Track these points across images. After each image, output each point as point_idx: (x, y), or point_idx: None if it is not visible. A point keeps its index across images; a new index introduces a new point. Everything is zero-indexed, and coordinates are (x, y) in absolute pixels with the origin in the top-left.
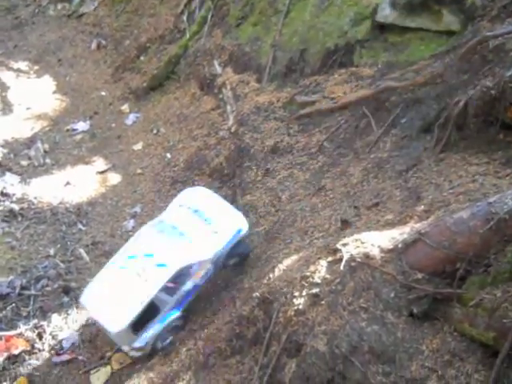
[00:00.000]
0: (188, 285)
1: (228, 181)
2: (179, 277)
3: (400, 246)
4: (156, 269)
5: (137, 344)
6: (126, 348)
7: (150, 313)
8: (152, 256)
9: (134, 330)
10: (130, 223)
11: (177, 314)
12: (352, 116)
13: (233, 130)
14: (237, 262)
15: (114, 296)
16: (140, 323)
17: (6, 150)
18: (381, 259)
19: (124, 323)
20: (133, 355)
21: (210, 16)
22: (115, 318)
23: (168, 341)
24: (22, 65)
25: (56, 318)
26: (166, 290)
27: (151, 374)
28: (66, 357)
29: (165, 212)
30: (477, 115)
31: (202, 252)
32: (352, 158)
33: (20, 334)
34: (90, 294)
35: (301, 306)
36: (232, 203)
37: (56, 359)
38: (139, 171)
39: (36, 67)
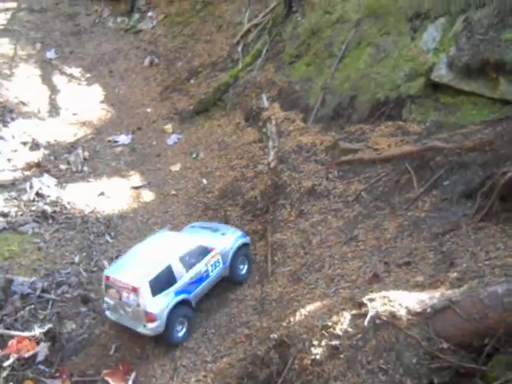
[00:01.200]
0: (201, 266)
1: (260, 216)
2: (195, 256)
3: (428, 310)
4: (179, 243)
5: (153, 308)
6: (140, 328)
7: (168, 279)
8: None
9: (152, 288)
10: None
11: (187, 296)
12: (394, 170)
13: (272, 165)
14: (245, 273)
15: (140, 263)
16: (158, 285)
17: (47, 152)
18: (407, 321)
19: (146, 279)
20: (142, 332)
21: (264, 50)
22: (137, 274)
23: (180, 332)
24: (75, 71)
25: (71, 326)
26: (184, 262)
27: None
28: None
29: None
30: None
31: (213, 243)
32: (388, 213)
33: (33, 337)
34: (114, 265)
35: (318, 357)
36: (261, 239)
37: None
38: (173, 192)
39: (88, 75)
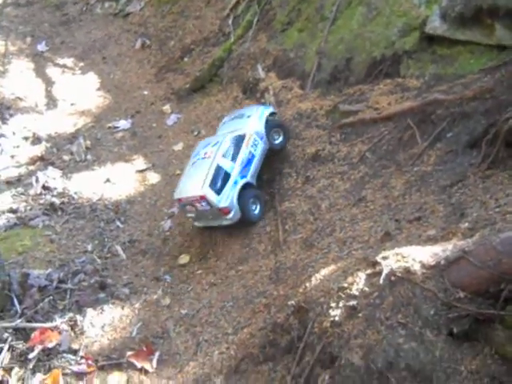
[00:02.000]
0: (244, 152)
1: (267, 186)
2: (234, 148)
3: (442, 262)
4: (213, 147)
5: (222, 204)
6: (224, 221)
7: (223, 177)
8: (217, 143)
9: (214, 190)
10: (168, 223)
11: (245, 179)
12: (396, 128)
13: None
14: (281, 141)
15: (194, 178)
16: (217, 184)
17: (49, 145)
18: (422, 275)
19: (203, 186)
20: (226, 223)
21: (255, 20)
22: (198, 185)
23: (255, 210)
24: (68, 61)
25: (91, 313)
26: (228, 156)
27: (181, 377)
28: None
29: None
30: None
31: (245, 129)
32: (394, 170)
33: (55, 327)
34: (177, 189)
35: (337, 318)
36: (270, 209)
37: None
38: (178, 172)
39: (81, 64)
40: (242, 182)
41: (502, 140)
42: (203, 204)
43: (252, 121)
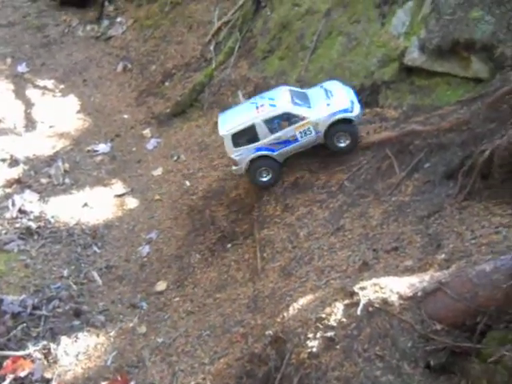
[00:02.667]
0: (287, 131)
1: (246, 213)
2: (282, 121)
3: (419, 294)
4: (269, 107)
5: (233, 156)
6: (232, 168)
7: (250, 136)
8: (273, 99)
9: (234, 140)
10: (145, 249)
11: (271, 153)
12: (374, 157)
13: None
14: (347, 145)
15: (235, 116)
16: (240, 139)
17: (26, 167)
18: (399, 306)
19: (228, 130)
20: (233, 171)
21: (237, 47)
22: (226, 127)
23: (265, 178)
24: (48, 83)
25: (65, 341)
26: (269, 124)
27: None
28: None
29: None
30: (502, 165)
31: (306, 112)
32: (372, 200)
33: (28, 355)
34: (225, 113)
35: (314, 349)
36: (249, 236)
37: None
38: (157, 197)
39: (62, 86)
40: (264, 153)
41: (478, 172)
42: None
43: (324, 110)
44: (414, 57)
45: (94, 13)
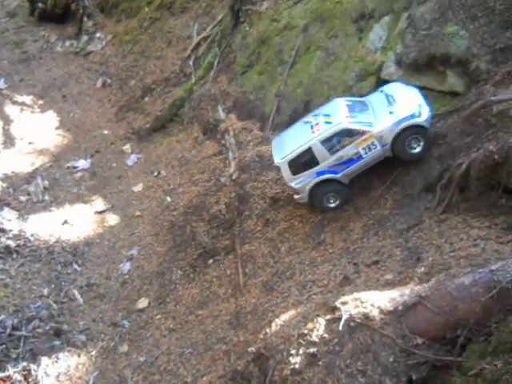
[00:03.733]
0: (349, 150)
1: (227, 229)
2: (341, 139)
3: (400, 308)
4: (324, 125)
5: (293, 184)
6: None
7: (308, 160)
8: (328, 116)
9: (291, 167)
10: (126, 266)
11: (335, 175)
12: None
13: (234, 177)
14: (419, 151)
15: (288, 140)
16: (298, 165)
17: (5, 185)
18: (380, 321)
19: (283, 158)
20: (296, 199)
21: (216, 62)
22: (280, 154)
23: (332, 204)
24: (27, 99)
25: (46, 362)
26: (327, 145)
27: None
28: None
29: (367, 96)
30: (479, 178)
31: (368, 125)
32: (352, 214)
33: (8, 377)
34: (277, 139)
35: (297, 366)
36: (231, 252)
37: None
38: (138, 213)
39: (40, 102)
40: (326, 177)
41: (456, 185)
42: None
43: (387, 120)
44: (391, 71)
45: (72, 28)
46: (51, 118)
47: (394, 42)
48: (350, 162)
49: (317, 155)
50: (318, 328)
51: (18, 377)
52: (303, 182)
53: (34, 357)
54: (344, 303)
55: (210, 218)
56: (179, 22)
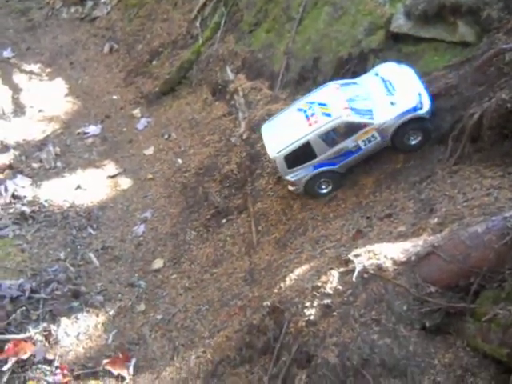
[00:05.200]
0: (349, 142)
1: (239, 188)
2: (341, 132)
3: (413, 258)
4: (322, 116)
5: (288, 177)
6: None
7: (305, 154)
8: (325, 105)
9: (287, 162)
10: (141, 228)
11: (332, 167)
12: None
13: (244, 136)
14: (419, 141)
15: (282, 130)
16: (294, 159)
17: (17, 152)
18: (393, 271)
19: (279, 152)
20: (290, 189)
21: (223, 22)
22: (275, 147)
23: (325, 189)
24: (35, 67)
25: (65, 322)
26: (326, 138)
27: (159, 383)
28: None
29: (360, 77)
30: (492, 128)
31: (368, 117)
32: (364, 168)
33: (29, 338)
34: (267, 126)
35: (312, 317)
36: (243, 211)
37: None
38: (150, 176)
39: (48, 70)
40: (324, 169)
41: (468, 136)
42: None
43: (389, 112)
44: (401, 23)
45: None
46: (60, 85)
47: None
48: (348, 154)
49: (315, 149)
50: (332, 280)
51: (39, 337)
52: (300, 175)
53: (53, 318)
54: (357, 255)
55: (222, 178)
56: None
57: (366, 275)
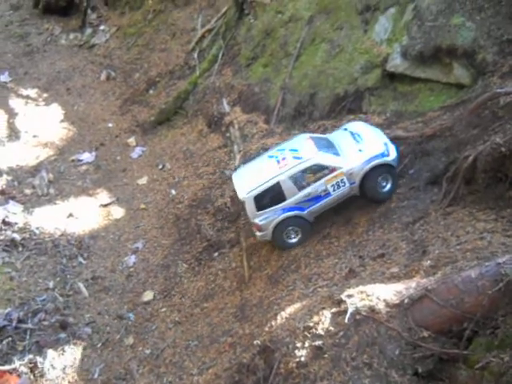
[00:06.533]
0: (318, 186)
1: (232, 222)
2: (311, 174)
3: (406, 301)
4: (293, 160)
5: (257, 220)
6: (256, 234)
7: (275, 196)
8: (296, 151)
9: (256, 203)
10: (131, 259)
11: (301, 212)
12: None
13: None
14: (389, 189)
15: (253, 174)
16: (264, 201)
17: (10, 178)
18: (386, 314)
19: (249, 193)
20: (258, 237)
21: (220, 54)
22: (246, 188)
23: (293, 239)
24: (32, 92)
25: (52, 354)
26: (296, 181)
27: None
28: None
29: (329, 134)
30: (486, 171)
31: (337, 161)
32: (358, 206)
33: (14, 370)
34: (238, 172)
35: (303, 358)
36: (236, 245)
37: None
38: (143, 206)
39: (45, 95)
40: (292, 214)
41: (462, 177)
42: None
43: (356, 158)
44: (397, 63)
45: (76, 21)
46: (56, 111)
47: (400, 34)
48: (317, 198)
49: (284, 191)
50: (324, 321)
51: (24, 369)
52: (268, 219)
53: (40, 349)
54: (350, 296)
55: (215, 210)
56: (183, 14)
57: (358, 317)
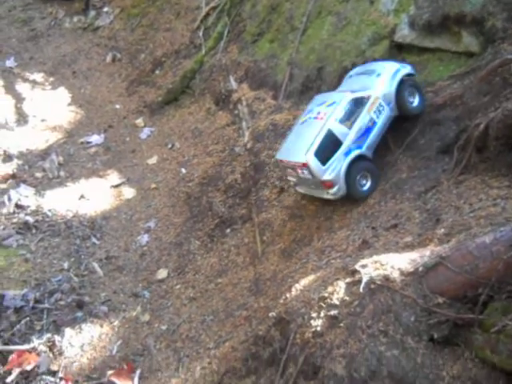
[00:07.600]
0: (363, 117)
1: (243, 198)
2: (352, 111)
3: (420, 269)
4: (328, 108)
5: (326, 176)
6: (326, 195)
7: (332, 144)
8: (325, 102)
9: (319, 158)
10: (144, 238)
11: (360, 150)
12: None
13: (248, 146)
14: (418, 104)
15: (299, 142)
16: (324, 153)
17: (20, 162)
18: (401, 282)
19: (307, 152)
20: (332, 197)
21: (226, 32)
22: (301, 152)
23: (366, 186)
24: (38, 76)
25: (69, 333)
26: (343, 121)
27: None
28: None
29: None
30: (497, 138)
31: (367, 90)
32: None
33: (33, 349)
34: (281, 151)
35: (319, 328)
36: (248, 220)
37: None
38: (153, 186)
39: (51, 79)
40: (354, 154)
41: (473, 146)
42: (305, 172)
43: (381, 81)
44: (405, 34)
45: (79, 4)
46: (63, 94)
47: (407, 4)
48: (367, 131)
49: (338, 135)
50: (339, 291)
51: (43, 348)
52: (336, 169)
53: (57, 328)
54: (364, 266)
55: (226, 187)
56: None
57: (373, 286)
